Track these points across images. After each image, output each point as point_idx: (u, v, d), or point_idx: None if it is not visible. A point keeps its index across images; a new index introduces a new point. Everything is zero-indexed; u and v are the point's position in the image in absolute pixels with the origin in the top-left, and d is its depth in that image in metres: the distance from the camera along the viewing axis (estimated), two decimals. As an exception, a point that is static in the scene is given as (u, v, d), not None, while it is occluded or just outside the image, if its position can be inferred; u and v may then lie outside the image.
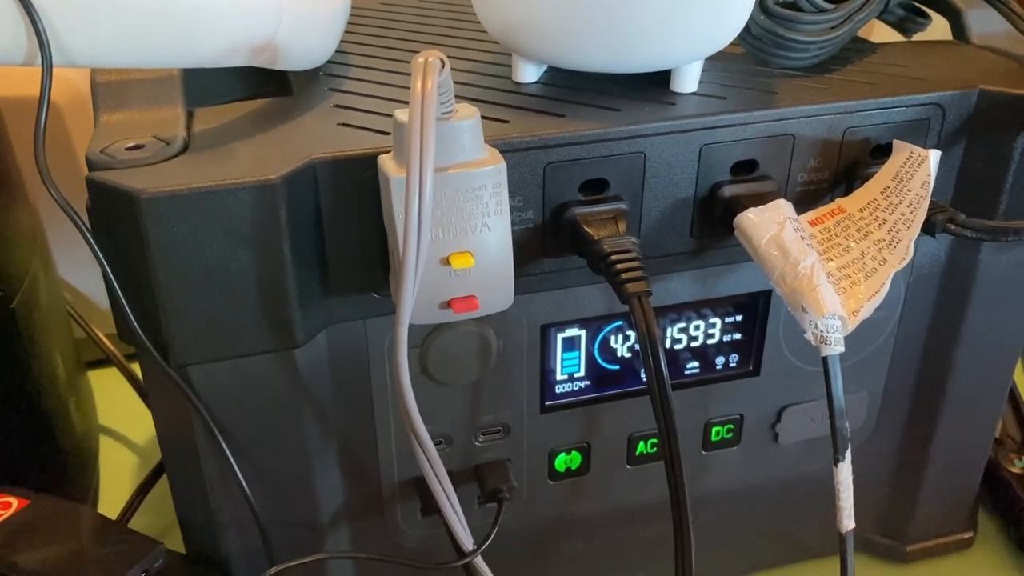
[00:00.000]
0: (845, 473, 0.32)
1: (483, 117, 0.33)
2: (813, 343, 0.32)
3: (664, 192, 0.35)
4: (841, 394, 0.32)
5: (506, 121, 0.33)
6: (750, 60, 0.39)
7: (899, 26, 0.45)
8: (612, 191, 0.34)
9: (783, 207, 0.33)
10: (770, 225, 0.33)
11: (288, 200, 0.30)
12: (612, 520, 0.43)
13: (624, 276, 0.31)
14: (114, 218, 0.29)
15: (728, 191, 0.35)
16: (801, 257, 0.32)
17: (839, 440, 0.32)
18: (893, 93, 0.36)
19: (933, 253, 0.40)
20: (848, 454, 0.33)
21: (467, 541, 0.35)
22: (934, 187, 0.34)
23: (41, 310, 0.45)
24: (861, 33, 0.45)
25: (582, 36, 0.33)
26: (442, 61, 0.27)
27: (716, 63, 0.39)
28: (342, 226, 0.31)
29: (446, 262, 0.29)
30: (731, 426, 0.42)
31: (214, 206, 0.29)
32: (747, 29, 0.38)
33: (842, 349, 0.32)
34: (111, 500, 0.52)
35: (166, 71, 0.35)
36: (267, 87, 0.38)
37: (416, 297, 0.30)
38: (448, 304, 0.30)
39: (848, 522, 0.33)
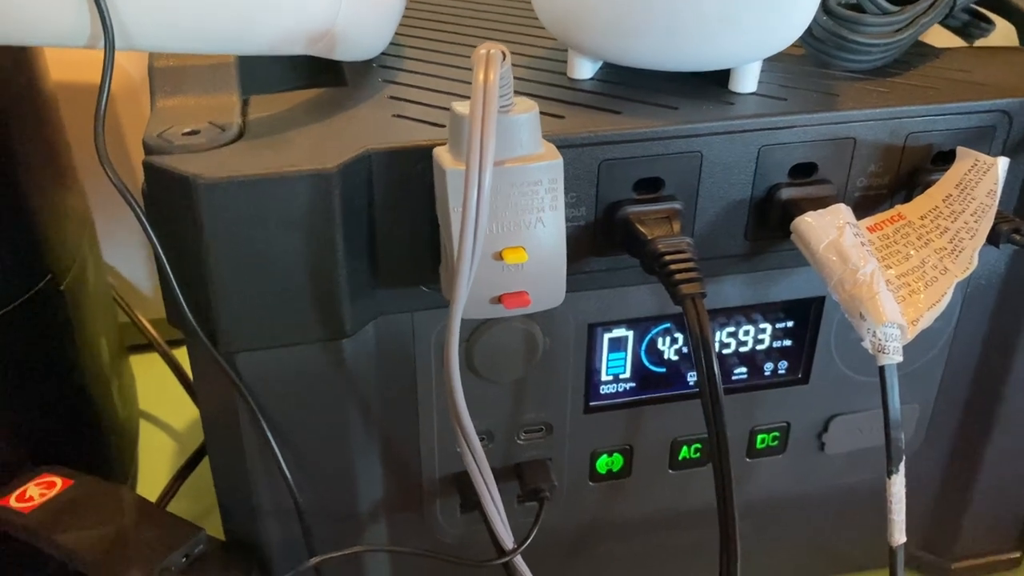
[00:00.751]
0: (898, 486, 0.32)
1: (543, 114, 0.33)
2: (871, 351, 0.31)
3: (720, 193, 0.34)
4: (898, 405, 0.31)
5: (561, 117, 0.33)
6: (810, 62, 0.38)
7: (962, 31, 0.44)
8: (667, 191, 0.33)
9: (843, 211, 0.33)
10: (829, 230, 0.32)
11: (343, 190, 0.29)
12: (652, 525, 0.42)
13: (678, 277, 0.31)
14: (169, 203, 0.29)
15: (786, 194, 0.34)
16: (861, 263, 0.31)
17: (894, 452, 0.32)
18: (957, 99, 0.35)
19: (992, 264, 0.39)
20: (902, 466, 0.32)
21: (508, 539, 0.34)
22: (1008, 194, 0.33)
23: (88, 293, 0.45)
24: (922, 38, 0.44)
25: (640, 33, 0.33)
26: (504, 54, 0.27)
27: (775, 64, 0.38)
28: (394, 218, 0.31)
29: (499, 256, 0.29)
30: (777, 434, 0.41)
31: (269, 193, 0.29)
32: (809, 30, 0.37)
33: (900, 359, 0.31)
34: (149, 484, 0.52)
35: (222, 58, 0.35)
36: (321, 77, 0.38)
37: (472, 291, 0.30)
38: (499, 299, 0.30)
39: (899, 536, 0.32)
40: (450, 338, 0.27)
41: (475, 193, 0.25)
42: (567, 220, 0.33)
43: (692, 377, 0.39)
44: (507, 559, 0.34)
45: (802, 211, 0.33)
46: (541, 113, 0.33)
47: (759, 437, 0.41)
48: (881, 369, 0.31)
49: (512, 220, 0.29)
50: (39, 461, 0.39)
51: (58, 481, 0.38)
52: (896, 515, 0.32)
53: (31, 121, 0.41)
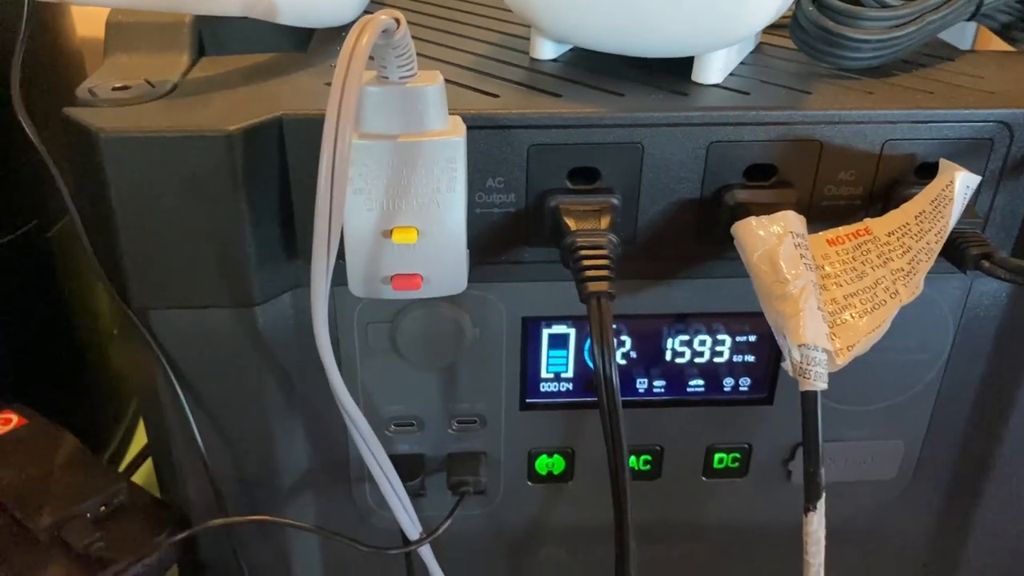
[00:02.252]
0: (816, 525, 0.29)
1: (477, 91, 0.32)
2: (791, 374, 0.28)
3: (665, 190, 0.32)
4: (820, 437, 0.28)
5: (496, 96, 0.31)
6: (802, 58, 0.35)
7: (1005, 35, 0.40)
8: (604, 183, 0.31)
9: (790, 219, 0.30)
10: (769, 238, 0.29)
11: (247, 154, 0.29)
12: (597, 534, 0.40)
13: (587, 274, 0.29)
14: (81, 156, 0.30)
15: (737, 196, 0.31)
16: (792, 277, 0.28)
17: (812, 487, 0.29)
18: (949, 105, 0.31)
19: (993, 294, 0.35)
20: (821, 504, 0.29)
21: (413, 529, 0.33)
22: (996, 218, 0.29)
23: (84, 248, 0.47)
24: (957, 40, 0.40)
25: (593, 13, 0.31)
26: (397, 21, 0.25)
27: (760, 57, 0.35)
28: (308, 187, 0.30)
29: (388, 235, 0.28)
30: (737, 455, 0.38)
31: (171, 151, 0.29)
32: (796, 22, 0.34)
33: (824, 386, 0.28)
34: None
35: (178, 17, 0.35)
36: (287, 42, 0.37)
37: (361, 268, 0.29)
38: (390, 280, 0.28)
39: (818, 581, 0.29)
40: (315, 316, 0.26)
41: (329, 161, 0.24)
42: (495, 206, 0.31)
43: (642, 384, 0.37)
44: (409, 549, 0.33)
45: (756, 216, 0.30)
46: (479, 91, 0.32)
47: (717, 456, 0.38)
48: (802, 396, 0.28)
49: (405, 198, 0.27)
50: (15, 399, 0.41)
51: (14, 418, 0.39)
52: (813, 557, 0.29)
53: (49, 70, 0.43)
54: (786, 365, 0.28)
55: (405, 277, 0.28)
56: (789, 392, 0.37)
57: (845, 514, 0.40)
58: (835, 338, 0.28)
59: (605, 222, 0.30)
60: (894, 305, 0.29)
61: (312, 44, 0.37)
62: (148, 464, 0.47)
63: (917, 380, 0.36)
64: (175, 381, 0.33)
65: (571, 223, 0.30)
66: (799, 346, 0.27)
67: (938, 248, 0.29)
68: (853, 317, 0.29)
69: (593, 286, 0.28)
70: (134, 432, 0.54)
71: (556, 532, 0.40)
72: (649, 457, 0.38)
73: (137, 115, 0.29)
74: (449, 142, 0.27)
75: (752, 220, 0.30)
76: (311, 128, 0.29)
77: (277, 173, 0.30)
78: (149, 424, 0.36)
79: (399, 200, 0.27)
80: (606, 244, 0.30)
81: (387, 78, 0.26)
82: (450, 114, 0.28)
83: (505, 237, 0.32)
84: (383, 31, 0.25)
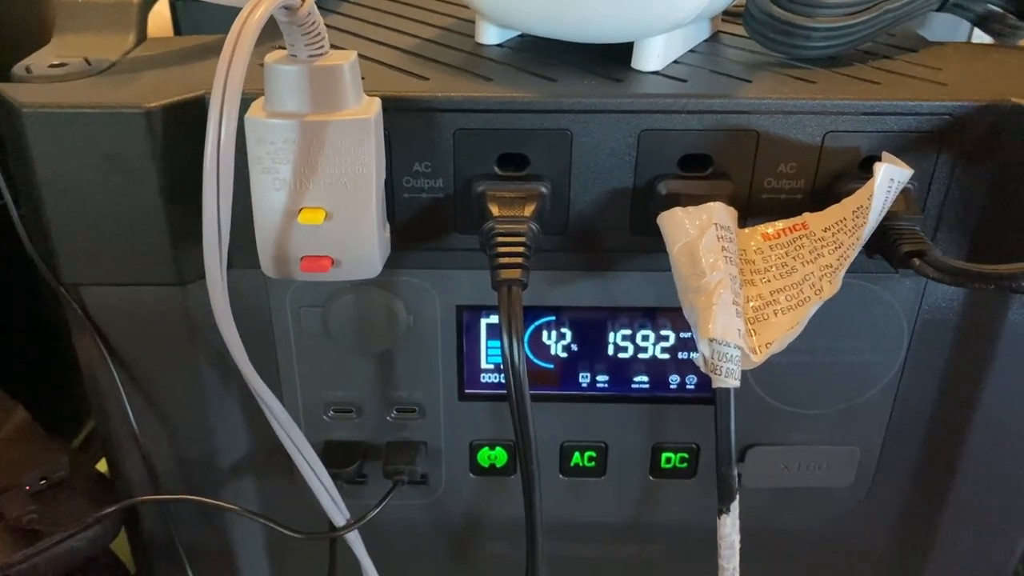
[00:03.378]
0: (729, 528, 0.28)
1: (409, 74, 0.31)
2: (702, 369, 0.27)
3: (596, 179, 0.31)
4: (732, 436, 0.27)
5: (426, 79, 0.31)
6: (754, 47, 0.34)
7: (983, 26, 0.38)
8: (533, 170, 0.31)
9: (715, 211, 0.29)
10: (692, 229, 0.28)
11: (166, 132, 0.29)
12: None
13: (501, 261, 0.28)
14: (8, 131, 0.30)
15: (668, 186, 0.30)
16: (709, 270, 0.27)
17: (725, 489, 0.28)
18: (894, 97, 0.30)
19: (948, 296, 0.33)
20: (735, 507, 0.28)
21: (338, 516, 0.33)
22: (949, 216, 0.28)
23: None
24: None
25: (529, -4, 0.30)
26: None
27: (717, 46, 0.34)
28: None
29: (296, 215, 0.27)
30: (685, 455, 0.37)
31: (91, 127, 0.29)
32: (748, 10, 0.33)
33: (736, 384, 0.27)
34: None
35: (127, -2, 0.35)
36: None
37: (270, 249, 0.28)
38: (299, 261, 0.28)
39: (733, 585, 0.28)
40: (213, 299, 0.26)
41: (215, 137, 0.24)
42: (423, 191, 0.31)
43: (584, 377, 0.36)
44: (335, 535, 0.33)
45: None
46: (409, 74, 0.31)
47: (664, 455, 0.37)
48: (714, 392, 0.27)
49: (313, 178, 0.27)
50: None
51: (-28, 394, 0.40)
52: (726, 561, 0.28)
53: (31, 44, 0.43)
54: (697, 360, 0.27)
55: (313, 259, 0.28)
56: (736, 393, 0.35)
57: (800, 522, 0.39)
58: (753, 335, 0.27)
59: (529, 209, 0.30)
60: (816, 302, 0.27)
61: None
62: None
63: (872, 383, 0.35)
64: (108, 359, 0.33)
65: (494, 209, 0.30)
66: (709, 341, 0.26)
67: (859, 244, 0.28)
68: (776, 314, 0.28)
69: (505, 273, 0.28)
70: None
71: (499, 525, 0.39)
72: (593, 453, 0.37)
73: (64, 91, 0.30)
74: (358, 122, 0.27)
75: (678, 210, 0.29)
76: (234, 107, 0.29)
77: (199, 153, 0.30)
78: (94, 402, 0.37)
79: (307, 180, 0.27)
80: (525, 231, 0.29)
81: (295, 56, 0.26)
82: (372, 95, 0.28)
83: (434, 223, 0.32)
84: (285, 7, 0.25)
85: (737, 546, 0.28)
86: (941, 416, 0.36)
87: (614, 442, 0.37)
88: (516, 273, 0.28)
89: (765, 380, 0.35)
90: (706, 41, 0.35)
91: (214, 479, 0.37)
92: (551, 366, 0.36)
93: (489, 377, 0.36)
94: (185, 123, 0.29)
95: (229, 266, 0.32)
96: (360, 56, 0.28)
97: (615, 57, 0.32)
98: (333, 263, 0.28)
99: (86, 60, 0.32)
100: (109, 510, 0.34)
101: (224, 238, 0.25)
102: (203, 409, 0.35)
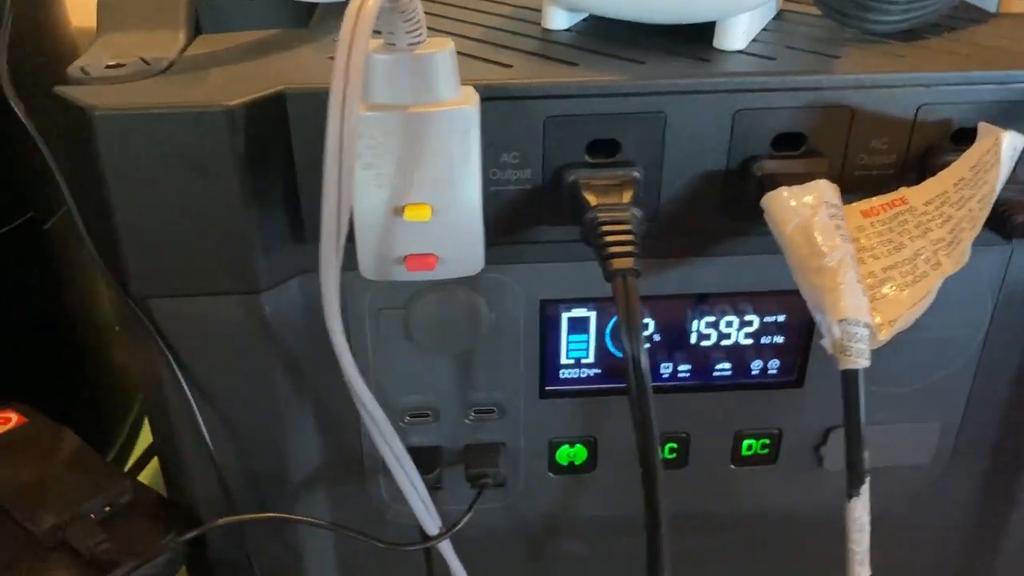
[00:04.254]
0: (860, 511, 0.27)
1: (489, 61, 0.30)
2: (829, 351, 0.27)
3: (689, 162, 0.30)
4: (863, 418, 0.27)
5: (509, 66, 0.30)
6: (828, 23, 0.34)
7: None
8: (624, 155, 0.30)
9: (824, 189, 0.28)
10: (802, 209, 0.28)
11: (248, 131, 0.27)
12: (620, 526, 0.38)
13: (611, 250, 0.27)
14: (74, 135, 0.28)
15: (765, 167, 0.30)
16: (828, 249, 0.27)
17: (855, 472, 0.27)
18: (985, 67, 0.29)
19: (1035, 265, 0.33)
20: (865, 489, 0.27)
21: (432, 524, 0.32)
22: None
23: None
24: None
25: (610, -23, 0.29)
26: (404, -16, 0.24)
27: (782, 24, 0.34)
28: (313, 166, 0.29)
29: (400, 212, 0.26)
30: (767, 441, 0.36)
31: (168, 129, 0.27)
32: (822, -16, 0.32)
33: (867, 363, 0.26)
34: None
35: (173, -7, 0.33)
36: (288, 19, 0.36)
37: (372, 248, 0.27)
38: (403, 260, 0.27)
39: (861, 570, 0.28)
40: (326, 303, 0.25)
41: (337, 132, 0.22)
42: (511, 182, 0.30)
43: (666, 368, 0.35)
44: (429, 545, 0.32)
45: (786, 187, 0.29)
46: (491, 62, 0.30)
47: (745, 443, 0.36)
48: (843, 374, 0.27)
49: (417, 173, 0.26)
50: (15, 398, 0.39)
51: (13, 418, 0.38)
52: (856, 545, 0.27)
53: (41, 59, 0.41)
54: (825, 343, 0.26)
55: (419, 257, 0.27)
56: (820, 374, 0.35)
57: (879, 501, 0.38)
58: (876, 313, 0.27)
59: (627, 196, 0.29)
60: (937, 277, 0.27)
61: (313, 21, 0.35)
62: (154, 463, 0.46)
63: (954, 358, 0.35)
64: (179, 373, 0.31)
65: (591, 198, 0.29)
66: (839, 322, 0.26)
67: (983, 215, 0.27)
68: (893, 290, 0.27)
69: (618, 263, 0.27)
70: (139, 431, 0.52)
71: (578, 524, 0.38)
72: (675, 445, 0.36)
73: (132, 92, 0.28)
74: (463, 111, 0.26)
75: (784, 191, 0.28)
76: (316, 102, 0.28)
77: (280, 151, 0.29)
78: (154, 420, 0.35)
79: (411, 175, 0.26)
80: (630, 219, 0.28)
81: (394, 45, 0.25)
82: (461, 84, 0.27)
83: (521, 215, 0.30)
84: (390, -7, 0.24)
85: (868, 529, 0.28)
86: (1021, 389, 0.36)
87: (696, 432, 0.36)
88: (629, 262, 0.27)
89: (849, 360, 0.35)
90: (772, 19, 0.35)
91: (285, 495, 0.35)
92: (632, 358, 0.35)
93: (569, 373, 0.35)
94: (265, 121, 0.28)
95: (306, 271, 0.31)
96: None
97: (692, 37, 0.32)
98: (438, 261, 0.27)
99: (143, 60, 0.30)
100: (193, 533, 0.32)
101: (342, 240, 0.24)
102: (275, 422, 0.33)
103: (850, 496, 0.27)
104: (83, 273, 0.45)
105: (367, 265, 0.27)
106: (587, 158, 0.30)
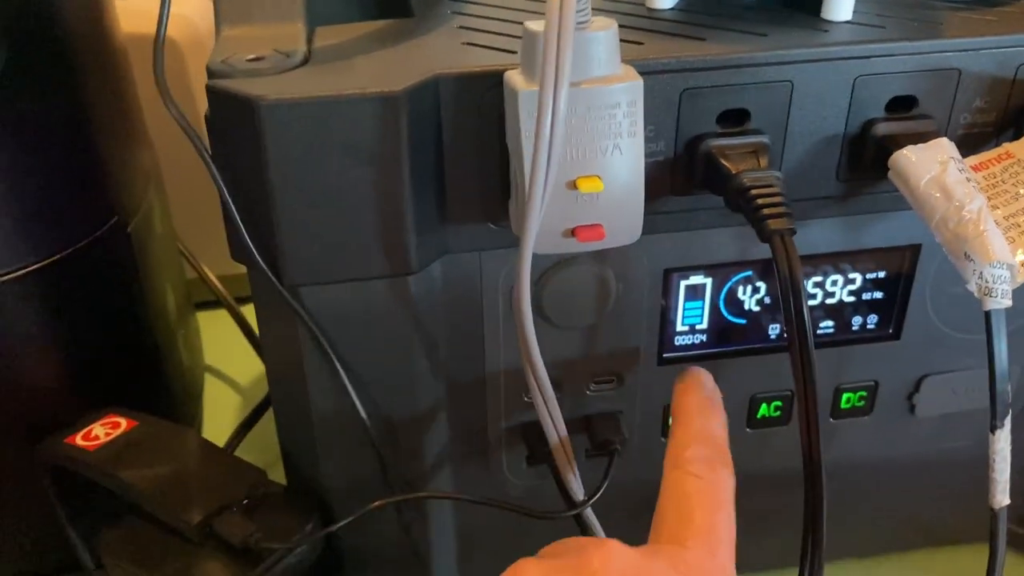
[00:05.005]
0: (1003, 442, 0.29)
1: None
2: (977, 295, 0.28)
3: (811, 127, 0.32)
4: (1005, 353, 0.29)
5: (640, 43, 0.31)
6: (909, -8, 0.36)
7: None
8: (753, 124, 0.31)
9: (945, 146, 0.30)
10: (931, 165, 0.29)
11: (409, 116, 0.28)
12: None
13: (766, 212, 0.29)
14: (232, 128, 0.28)
15: (883, 128, 0.31)
16: (967, 200, 0.28)
17: (999, 405, 0.29)
18: (1076, 26, 0.32)
19: (1108, 213, 0.36)
20: (1008, 421, 0.29)
21: (579, 491, 0.33)
22: None
23: (155, 241, 0.45)
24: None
25: (728, -46, 0.31)
26: (582, -35, 0.25)
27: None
28: (463, 148, 0.30)
29: (573, 186, 0.27)
30: (864, 393, 0.38)
31: (334, 117, 0.28)
32: (908, -44, 0.34)
33: (1009, 303, 0.28)
34: (212, 436, 0.51)
35: (288, -14, 0.34)
36: (387, 10, 0.36)
37: (543, 223, 0.28)
38: (572, 232, 0.28)
39: (1003, 497, 0.30)
40: (521, 275, 0.26)
41: (549, 113, 0.23)
42: (647, 156, 0.31)
43: (773, 330, 0.37)
44: (577, 511, 0.33)
45: (899, 148, 0.30)
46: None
47: (844, 396, 0.38)
48: (987, 314, 0.29)
49: (587, 146, 0.27)
50: (105, 402, 0.39)
51: (123, 421, 0.37)
52: (999, 474, 0.29)
53: (98, 66, 0.41)
54: (971, 287, 0.28)
55: (589, 228, 0.28)
56: (916, 326, 0.37)
57: (955, 444, 0.41)
58: (1013, 255, 0.28)
59: (764, 162, 0.30)
60: (1064, 220, 0.29)
61: (415, 8, 0.36)
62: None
63: (1034, 304, 0.37)
64: (332, 354, 0.32)
65: (731, 165, 0.30)
66: (990, 264, 0.28)
67: (1101, 161, 0.29)
68: (1021, 235, 0.29)
69: (775, 223, 0.28)
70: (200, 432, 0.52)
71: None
72: (780, 403, 0.38)
73: (288, 82, 0.28)
74: (632, 86, 0.27)
75: (908, 150, 0.30)
76: (467, 87, 0.29)
77: (433, 135, 0.29)
78: (284, 411, 0.35)
79: (582, 149, 0.27)
80: (775, 181, 0.29)
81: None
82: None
83: (653, 187, 0.32)
84: (570, -26, 0.25)
85: (1009, 459, 0.30)
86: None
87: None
88: (784, 222, 0.28)
89: (943, 310, 0.37)
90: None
91: (420, 472, 0.36)
92: (743, 321, 0.36)
93: (684, 339, 0.36)
94: (424, 105, 0.28)
95: (445, 251, 0.32)
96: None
97: (801, 9, 0.33)
98: (605, 230, 0.28)
99: (279, 51, 0.30)
100: (351, 518, 0.32)
101: (541, 216, 0.25)
102: (415, 401, 0.34)
103: (993, 428, 0.29)
104: (158, 273, 0.45)
105: (537, 240, 0.28)
106: (718, 128, 0.31)
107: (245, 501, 0.34)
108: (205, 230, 0.62)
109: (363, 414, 0.32)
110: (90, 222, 0.39)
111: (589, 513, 0.33)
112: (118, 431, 0.37)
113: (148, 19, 0.51)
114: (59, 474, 0.36)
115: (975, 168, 0.31)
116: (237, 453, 0.48)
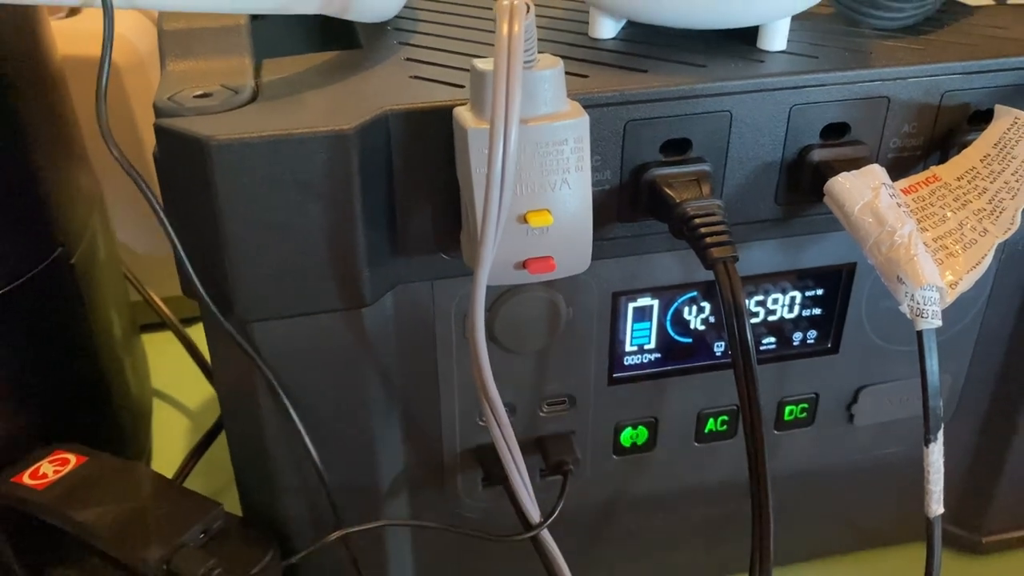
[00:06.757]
0: (936, 455, 0.31)
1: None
2: (909, 316, 0.30)
3: (750, 155, 0.33)
4: (936, 371, 0.30)
5: (585, 76, 0.32)
6: (840, 21, 0.37)
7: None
8: (695, 152, 0.32)
9: (877, 172, 0.31)
10: (864, 191, 0.31)
11: (361, 152, 0.28)
12: (676, 499, 0.41)
13: (709, 240, 0.30)
14: (182, 167, 0.28)
15: (819, 154, 0.33)
16: (898, 225, 0.30)
17: (932, 420, 0.30)
18: (995, 55, 0.33)
19: (1028, 228, 0.38)
20: (940, 435, 0.31)
21: (534, 513, 0.34)
22: None
23: (99, 268, 0.45)
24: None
25: (667, -12, 0.32)
26: (528, 6, 0.26)
27: (803, 23, 0.37)
28: (413, 183, 0.30)
29: (523, 220, 0.28)
30: (805, 405, 0.40)
31: (285, 155, 0.28)
32: (839, -13, 0.36)
33: (939, 323, 0.30)
34: (163, 463, 0.51)
35: (232, 20, 0.34)
36: (334, 41, 0.36)
37: (495, 256, 0.28)
38: (523, 265, 0.28)
39: (936, 507, 0.31)
40: (474, 306, 0.26)
41: (500, 152, 0.24)
42: (593, 185, 0.32)
43: (719, 347, 0.38)
44: (534, 533, 0.34)
45: (835, 173, 0.32)
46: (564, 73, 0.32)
47: (787, 409, 0.40)
48: (919, 334, 0.30)
49: (537, 182, 0.28)
50: (52, 438, 0.39)
51: (72, 458, 0.37)
52: (933, 485, 0.31)
53: (36, 91, 0.40)
54: (903, 308, 0.30)
55: (540, 260, 0.28)
56: (853, 340, 0.38)
57: (891, 450, 0.42)
58: (942, 277, 0.30)
59: (706, 189, 0.31)
60: (988, 242, 0.31)
61: (363, 39, 0.36)
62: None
63: (964, 314, 0.39)
64: (281, 392, 0.32)
65: (673, 194, 0.31)
66: (921, 288, 0.29)
67: (1021, 186, 0.31)
68: (949, 257, 0.31)
69: (718, 251, 0.29)
70: (151, 460, 0.51)
71: (639, 501, 0.40)
72: (727, 417, 0.39)
73: (237, 121, 0.28)
74: (578, 122, 0.27)
75: (843, 176, 0.31)
76: (415, 122, 0.29)
77: (383, 169, 0.30)
78: (238, 443, 0.35)
79: (531, 184, 0.28)
80: (717, 210, 0.30)
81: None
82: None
83: (600, 214, 0.32)
84: (520, 15, 0.25)
85: (942, 471, 0.31)
86: (1018, 339, 0.40)
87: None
88: (728, 250, 0.29)
89: (878, 324, 0.38)
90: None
91: (374, 501, 0.36)
92: (689, 340, 0.37)
93: (633, 359, 0.37)
94: (374, 141, 0.29)
95: (398, 283, 0.32)
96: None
97: (737, 39, 0.34)
98: (556, 262, 0.29)
99: (226, 87, 0.31)
100: (308, 551, 0.32)
101: (494, 250, 0.25)
102: (368, 433, 0.34)
103: (927, 442, 0.31)
104: (103, 302, 0.44)
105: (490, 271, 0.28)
106: (661, 157, 0.32)
107: (202, 535, 0.34)
108: (150, 249, 0.61)
109: (314, 455, 0.32)
110: (33, 255, 0.38)
111: (545, 534, 0.34)
112: (67, 468, 0.36)
113: (85, 39, 0.51)
114: (5, 514, 0.36)
115: (905, 191, 0.33)
116: (190, 478, 0.48)
